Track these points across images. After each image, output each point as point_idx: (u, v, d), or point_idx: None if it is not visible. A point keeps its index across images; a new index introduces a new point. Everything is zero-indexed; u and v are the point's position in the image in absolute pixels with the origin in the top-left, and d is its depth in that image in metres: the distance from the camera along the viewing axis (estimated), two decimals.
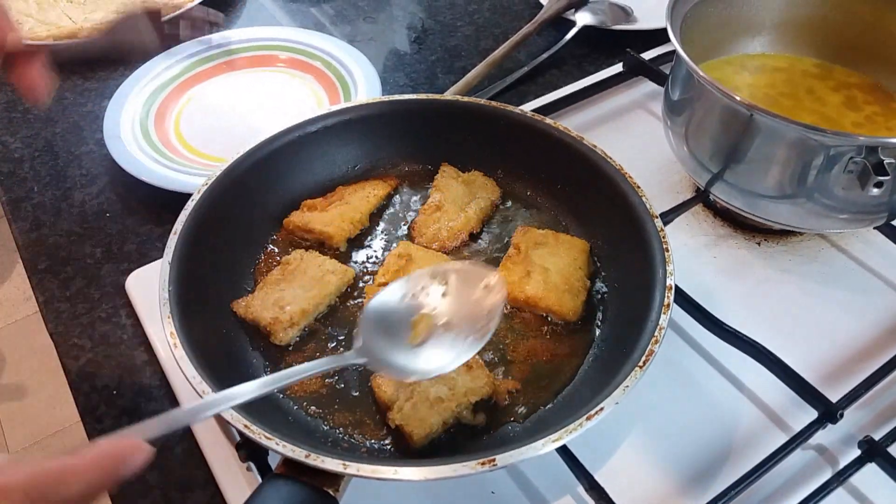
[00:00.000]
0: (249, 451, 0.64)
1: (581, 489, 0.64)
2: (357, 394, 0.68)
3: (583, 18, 1.18)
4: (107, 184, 0.97)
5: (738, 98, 0.71)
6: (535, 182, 0.86)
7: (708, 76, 0.73)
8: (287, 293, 0.73)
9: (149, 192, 0.90)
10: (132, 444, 0.43)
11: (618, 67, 1.08)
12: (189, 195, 0.74)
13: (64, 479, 0.40)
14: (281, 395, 0.68)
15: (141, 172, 0.91)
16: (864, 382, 0.70)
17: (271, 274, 0.76)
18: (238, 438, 0.67)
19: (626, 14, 1.20)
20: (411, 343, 0.62)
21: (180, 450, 0.70)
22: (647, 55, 1.08)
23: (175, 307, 0.64)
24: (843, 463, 0.66)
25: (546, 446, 0.55)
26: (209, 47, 1.13)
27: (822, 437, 0.68)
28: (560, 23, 1.20)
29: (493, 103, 0.85)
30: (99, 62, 1.17)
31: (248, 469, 0.66)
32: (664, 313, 0.64)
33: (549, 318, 0.74)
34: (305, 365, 0.58)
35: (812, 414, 0.68)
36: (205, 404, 0.53)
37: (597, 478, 0.63)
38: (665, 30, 0.78)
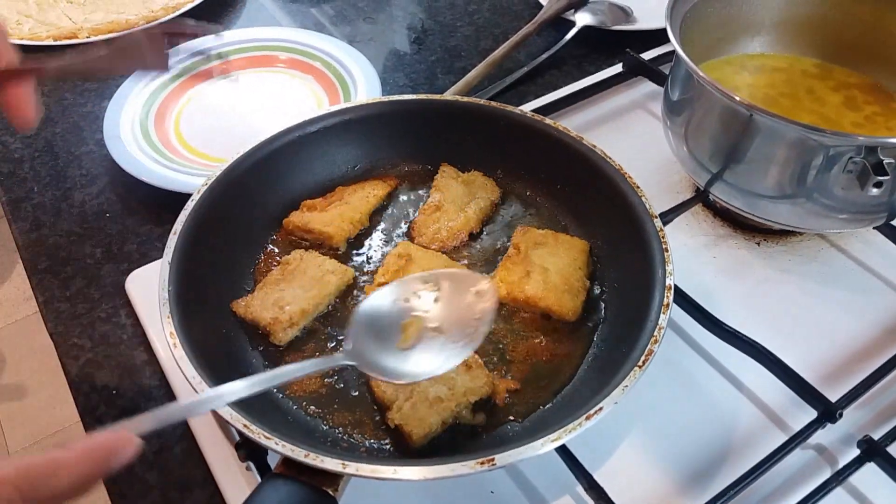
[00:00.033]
0: (249, 450, 0.64)
1: (580, 489, 0.64)
2: (356, 393, 0.68)
3: (582, 19, 1.18)
4: (107, 184, 0.97)
5: (737, 98, 0.71)
6: (534, 182, 0.86)
7: (707, 76, 0.73)
8: (287, 293, 0.73)
9: (149, 193, 0.91)
10: (122, 438, 0.44)
11: (617, 68, 1.08)
12: (189, 195, 0.74)
13: (55, 471, 0.41)
14: (280, 395, 0.68)
15: (141, 172, 0.91)
16: (863, 382, 0.70)
17: (271, 274, 0.76)
18: (237, 438, 0.67)
19: (626, 14, 1.20)
20: (401, 346, 0.62)
21: (180, 449, 0.70)
22: (647, 55, 1.08)
23: (175, 307, 0.65)
24: (842, 462, 0.66)
25: (545, 446, 0.55)
26: (208, 48, 1.13)
27: (821, 436, 0.68)
28: (560, 23, 1.20)
29: (493, 103, 0.85)
30: None
31: (248, 468, 0.66)
32: (663, 313, 0.64)
33: (549, 318, 0.74)
34: (295, 365, 0.58)
35: (811, 413, 0.68)
36: (198, 401, 0.53)
37: (596, 477, 0.63)
38: (665, 30, 0.78)
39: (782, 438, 0.66)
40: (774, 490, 0.66)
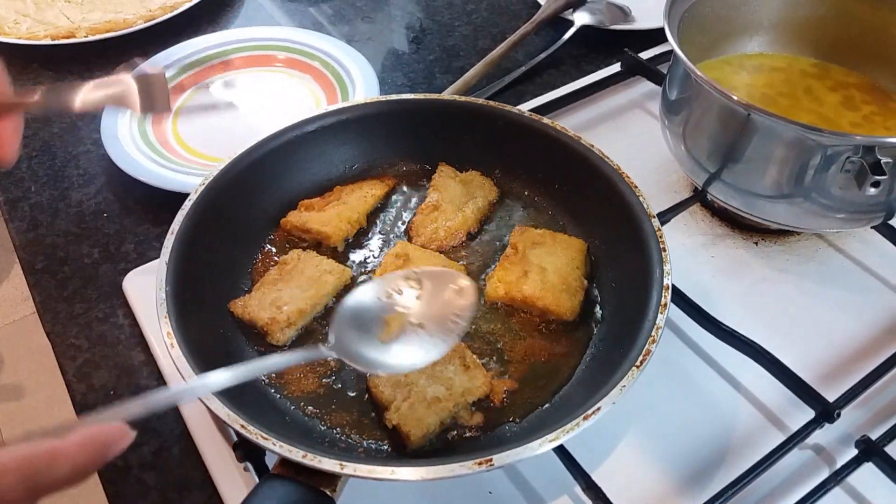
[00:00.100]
0: (246, 451, 0.64)
1: (578, 489, 0.64)
2: (354, 394, 0.68)
3: (581, 18, 1.18)
4: (104, 184, 0.97)
5: (735, 98, 0.71)
6: (532, 182, 0.86)
7: (705, 76, 0.73)
8: (284, 293, 0.73)
9: (146, 192, 0.90)
10: (117, 430, 0.45)
11: (616, 67, 1.08)
12: (186, 195, 0.74)
13: (54, 461, 0.42)
14: (278, 396, 0.68)
15: (138, 172, 0.91)
16: (861, 382, 0.70)
17: (269, 274, 0.76)
18: (235, 438, 0.67)
19: (624, 14, 1.20)
20: (383, 340, 0.62)
21: (177, 450, 0.70)
22: (645, 55, 1.08)
23: (172, 307, 0.64)
24: (840, 462, 0.66)
25: (543, 446, 0.55)
26: (207, 48, 1.13)
27: (819, 436, 0.68)
28: (558, 22, 1.19)
29: (491, 103, 0.85)
30: (96, 62, 1.17)
31: (245, 469, 0.66)
32: (661, 313, 0.64)
33: (547, 318, 0.74)
34: (281, 357, 0.59)
35: (809, 413, 0.68)
36: (185, 388, 0.56)
37: (594, 477, 0.63)
38: (663, 29, 0.78)
39: (780, 438, 0.66)
40: (772, 490, 0.66)
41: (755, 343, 0.72)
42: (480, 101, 0.86)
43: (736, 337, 0.72)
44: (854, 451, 0.66)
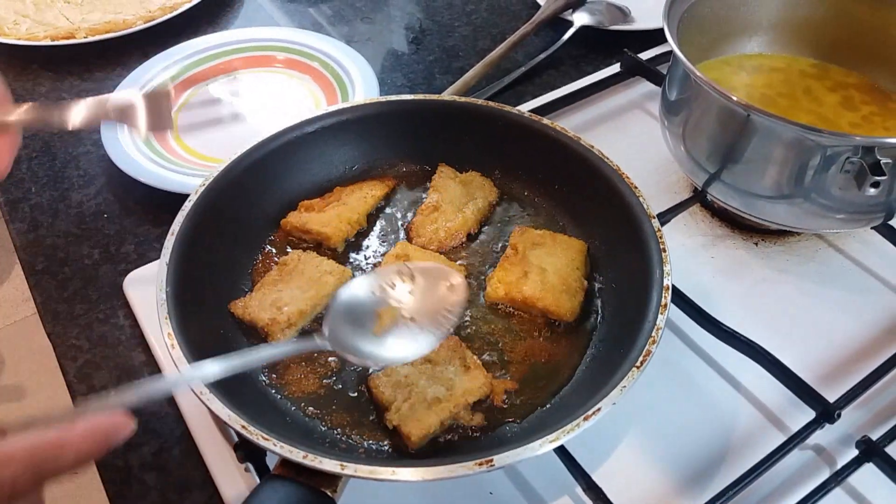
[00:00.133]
0: (247, 451, 0.64)
1: (579, 489, 0.64)
2: (355, 394, 0.68)
3: (580, 19, 1.18)
4: (104, 184, 0.97)
5: (734, 98, 0.71)
6: (532, 182, 0.86)
7: (705, 76, 0.73)
8: (285, 294, 0.73)
9: (146, 193, 0.90)
10: (120, 420, 0.47)
11: (615, 68, 1.08)
12: (186, 196, 0.74)
13: (60, 450, 0.44)
14: (279, 396, 0.68)
15: (138, 173, 0.91)
16: (861, 382, 0.70)
17: (269, 274, 0.76)
18: (236, 439, 0.67)
19: (624, 14, 1.20)
20: (376, 333, 0.63)
21: (178, 451, 0.70)
22: (645, 55, 1.08)
23: (173, 308, 0.65)
24: (840, 463, 0.66)
25: (543, 447, 0.55)
26: (207, 49, 1.13)
27: (819, 437, 0.68)
28: (557, 23, 1.20)
29: (491, 104, 0.85)
30: (95, 63, 1.17)
31: (246, 470, 0.66)
32: (661, 313, 0.64)
33: (547, 319, 0.74)
34: (274, 347, 0.63)
35: (810, 414, 0.68)
36: (178, 379, 0.58)
37: (594, 478, 0.63)
38: (662, 30, 0.78)
39: (781, 439, 0.66)
40: (773, 491, 0.66)
41: (755, 343, 0.72)
42: (480, 101, 0.86)
43: (736, 337, 0.72)
44: (854, 452, 0.66)
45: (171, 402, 0.73)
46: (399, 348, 0.62)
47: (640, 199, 0.73)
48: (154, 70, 1.08)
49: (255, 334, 0.72)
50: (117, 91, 1.05)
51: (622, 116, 1.04)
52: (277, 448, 0.54)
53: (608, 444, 0.69)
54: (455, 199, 0.83)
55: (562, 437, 0.55)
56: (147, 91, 0.68)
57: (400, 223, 0.84)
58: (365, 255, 0.81)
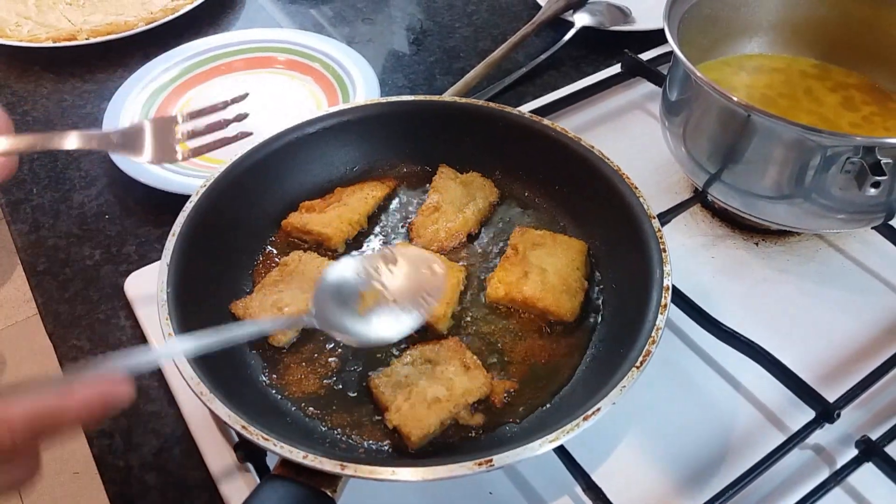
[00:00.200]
0: (247, 451, 0.64)
1: (578, 489, 0.64)
2: (355, 395, 0.68)
3: (581, 19, 1.19)
4: (106, 186, 0.98)
5: (735, 99, 0.71)
6: (532, 183, 0.86)
7: (705, 77, 0.73)
8: (285, 294, 0.73)
9: (147, 194, 0.91)
10: (120, 388, 0.48)
11: (616, 68, 1.08)
12: (187, 197, 0.74)
13: (62, 415, 0.45)
14: (279, 397, 0.68)
15: (140, 174, 0.91)
16: (861, 382, 0.70)
17: (270, 275, 0.76)
18: (236, 439, 0.67)
19: (625, 15, 1.20)
20: (360, 313, 0.66)
21: (179, 451, 0.70)
22: (645, 56, 1.08)
23: (174, 308, 0.65)
24: (840, 463, 0.66)
25: (543, 447, 0.55)
26: (208, 50, 1.13)
27: (819, 436, 0.68)
28: (558, 24, 1.20)
29: (492, 104, 0.85)
30: (97, 65, 1.18)
31: (247, 470, 0.66)
32: (661, 314, 0.64)
33: (547, 319, 0.74)
34: (260, 322, 0.67)
35: (809, 414, 0.68)
36: (162, 352, 0.63)
37: (594, 478, 0.63)
38: (663, 31, 0.78)
39: (780, 439, 0.67)
40: (773, 490, 0.66)
41: (755, 343, 0.72)
42: (481, 102, 0.86)
43: (736, 337, 0.73)
44: (854, 452, 0.66)
45: (171, 402, 0.73)
46: (382, 328, 0.65)
47: (641, 199, 0.73)
48: (155, 71, 1.09)
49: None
50: (119, 91, 1.05)
51: (623, 117, 1.04)
52: (277, 448, 0.54)
53: (608, 444, 0.69)
54: (456, 199, 0.83)
55: (561, 437, 0.55)
56: (153, 119, 0.69)
57: (400, 224, 0.84)
58: None
